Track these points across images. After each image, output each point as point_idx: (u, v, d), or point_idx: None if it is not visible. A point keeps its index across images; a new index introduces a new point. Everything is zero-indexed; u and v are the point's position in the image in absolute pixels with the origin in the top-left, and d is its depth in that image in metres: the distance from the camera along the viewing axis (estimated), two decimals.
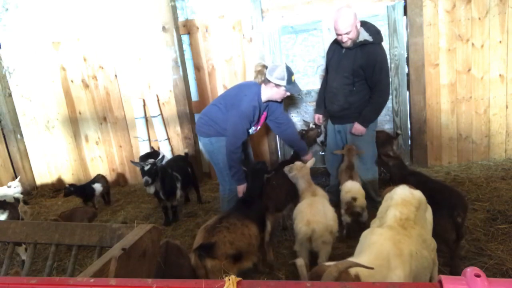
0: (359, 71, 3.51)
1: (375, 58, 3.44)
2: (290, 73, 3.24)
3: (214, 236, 2.48)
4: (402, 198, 2.13)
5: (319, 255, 2.70)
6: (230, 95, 3.51)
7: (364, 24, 3.53)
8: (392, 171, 3.46)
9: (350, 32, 3.39)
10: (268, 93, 3.35)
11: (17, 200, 3.91)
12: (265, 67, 3.33)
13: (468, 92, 4.70)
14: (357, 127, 3.65)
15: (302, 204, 2.90)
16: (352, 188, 3.35)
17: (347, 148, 3.75)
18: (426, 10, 4.54)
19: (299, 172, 3.21)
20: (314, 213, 2.70)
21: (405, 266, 1.79)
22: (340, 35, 3.43)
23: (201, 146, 3.75)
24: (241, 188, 3.37)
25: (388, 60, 4.78)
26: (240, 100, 3.32)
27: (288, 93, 3.37)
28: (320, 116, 4.12)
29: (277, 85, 3.26)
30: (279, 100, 3.46)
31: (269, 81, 3.27)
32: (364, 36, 3.46)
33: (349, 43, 3.48)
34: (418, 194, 2.19)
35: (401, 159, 3.61)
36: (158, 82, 5.44)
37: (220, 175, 3.60)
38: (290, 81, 3.24)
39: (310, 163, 3.33)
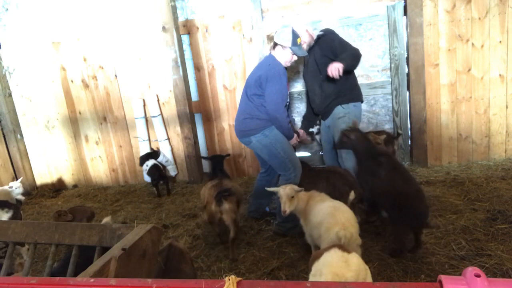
0: (323, 58, 3.65)
1: (330, 39, 3.64)
2: (295, 35, 3.38)
3: (225, 186, 3.30)
4: (333, 273, 1.68)
5: None
6: (251, 79, 3.55)
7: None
8: (356, 150, 3.18)
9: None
10: (278, 56, 3.47)
11: (19, 201, 3.90)
12: (275, 32, 3.52)
13: (468, 92, 4.70)
14: (333, 63, 3.41)
15: (326, 208, 2.65)
16: None
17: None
18: (426, 10, 4.54)
19: (292, 192, 2.88)
20: (347, 217, 2.53)
21: None
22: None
23: (254, 146, 3.60)
24: (294, 139, 3.66)
25: (388, 60, 4.83)
26: (267, 71, 3.40)
27: (295, 57, 3.47)
28: (302, 131, 4.07)
29: (283, 47, 3.41)
30: (287, 65, 3.53)
31: (276, 45, 3.46)
32: (317, 33, 3.74)
33: (305, 46, 3.62)
34: (355, 262, 1.77)
35: (364, 135, 3.29)
36: (158, 82, 5.44)
37: (282, 165, 3.50)
38: (295, 43, 3.37)
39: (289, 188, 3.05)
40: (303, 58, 3.90)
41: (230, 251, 3.29)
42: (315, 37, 3.71)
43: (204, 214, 3.47)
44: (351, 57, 3.51)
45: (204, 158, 4.70)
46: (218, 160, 4.04)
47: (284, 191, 2.88)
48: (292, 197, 2.87)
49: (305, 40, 3.58)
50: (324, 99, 3.82)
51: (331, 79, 3.54)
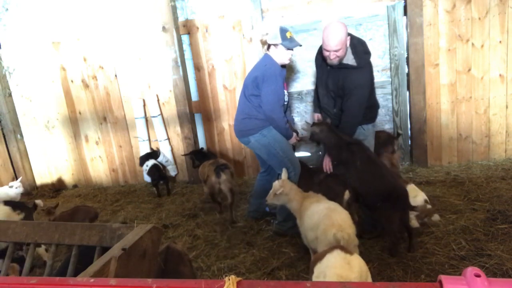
0: (339, 91, 3.37)
1: (350, 83, 3.23)
2: (283, 30, 3.38)
3: (221, 162, 4.05)
4: (338, 275, 1.70)
5: None
6: (249, 79, 3.56)
7: (352, 39, 3.24)
8: (326, 143, 3.17)
9: (339, 50, 3.14)
10: (274, 55, 3.46)
11: (34, 206, 3.82)
12: (266, 34, 3.58)
13: (468, 92, 4.70)
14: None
15: (322, 209, 2.63)
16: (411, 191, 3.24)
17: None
18: (426, 10, 4.54)
19: (285, 187, 2.96)
20: (344, 218, 2.52)
21: None
22: (329, 51, 3.18)
23: (253, 146, 3.63)
24: (294, 138, 3.66)
25: (388, 60, 4.83)
26: (263, 71, 3.40)
27: (290, 52, 3.45)
28: (319, 114, 3.94)
29: (276, 45, 3.40)
30: (286, 61, 3.51)
31: (270, 46, 3.46)
32: (349, 59, 3.24)
33: (335, 61, 3.22)
34: (357, 264, 1.80)
35: (331, 127, 3.22)
36: (158, 82, 5.44)
37: (281, 165, 3.46)
38: (285, 38, 3.36)
39: (284, 175, 3.18)
40: (319, 61, 3.56)
41: (229, 215, 4.02)
42: (345, 61, 3.26)
43: (205, 187, 4.13)
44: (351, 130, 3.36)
45: (184, 155, 5.24)
46: (197, 152, 4.84)
47: (274, 184, 3.03)
48: (278, 193, 2.96)
49: (339, 55, 3.16)
50: (336, 122, 3.53)
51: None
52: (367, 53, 3.31)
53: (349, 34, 3.24)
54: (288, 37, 3.38)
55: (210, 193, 4.05)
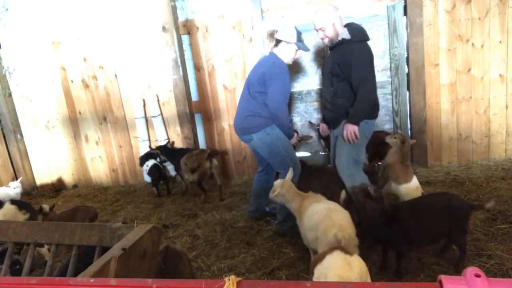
0: (336, 69, 3.30)
1: (350, 54, 3.19)
2: (299, 32, 3.45)
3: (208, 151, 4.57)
4: (339, 276, 1.72)
5: None
6: (254, 76, 3.53)
7: (348, 25, 3.34)
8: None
9: (325, 28, 3.24)
10: (281, 53, 3.49)
11: (40, 209, 3.79)
12: (275, 31, 3.56)
13: (468, 92, 4.70)
14: (347, 126, 3.23)
15: (322, 210, 2.60)
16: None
17: (401, 138, 3.44)
18: (426, 10, 4.54)
19: (283, 188, 2.97)
20: (343, 218, 2.50)
21: None
22: (316, 30, 3.34)
23: (255, 144, 3.58)
24: (295, 138, 3.74)
25: (388, 60, 4.83)
26: (271, 68, 3.40)
27: (299, 53, 3.53)
28: (324, 126, 3.83)
29: (288, 43, 3.44)
30: (290, 62, 3.56)
31: (279, 42, 3.47)
32: (344, 35, 3.26)
33: (326, 41, 3.33)
34: (358, 264, 1.82)
35: (379, 202, 2.69)
36: (158, 82, 5.44)
37: (283, 164, 3.46)
38: (299, 39, 3.44)
39: (290, 175, 3.16)
40: (324, 51, 3.62)
41: (220, 194, 4.72)
42: (341, 36, 3.27)
43: (191, 176, 4.51)
44: (363, 109, 3.21)
45: (153, 149, 5.40)
46: (163, 147, 5.19)
47: (275, 183, 3.06)
48: (279, 194, 2.98)
49: (327, 34, 3.26)
50: (334, 111, 3.47)
51: (341, 94, 3.31)
52: (362, 32, 3.32)
53: (347, 24, 3.35)
54: (302, 39, 3.48)
55: (199, 180, 4.49)
